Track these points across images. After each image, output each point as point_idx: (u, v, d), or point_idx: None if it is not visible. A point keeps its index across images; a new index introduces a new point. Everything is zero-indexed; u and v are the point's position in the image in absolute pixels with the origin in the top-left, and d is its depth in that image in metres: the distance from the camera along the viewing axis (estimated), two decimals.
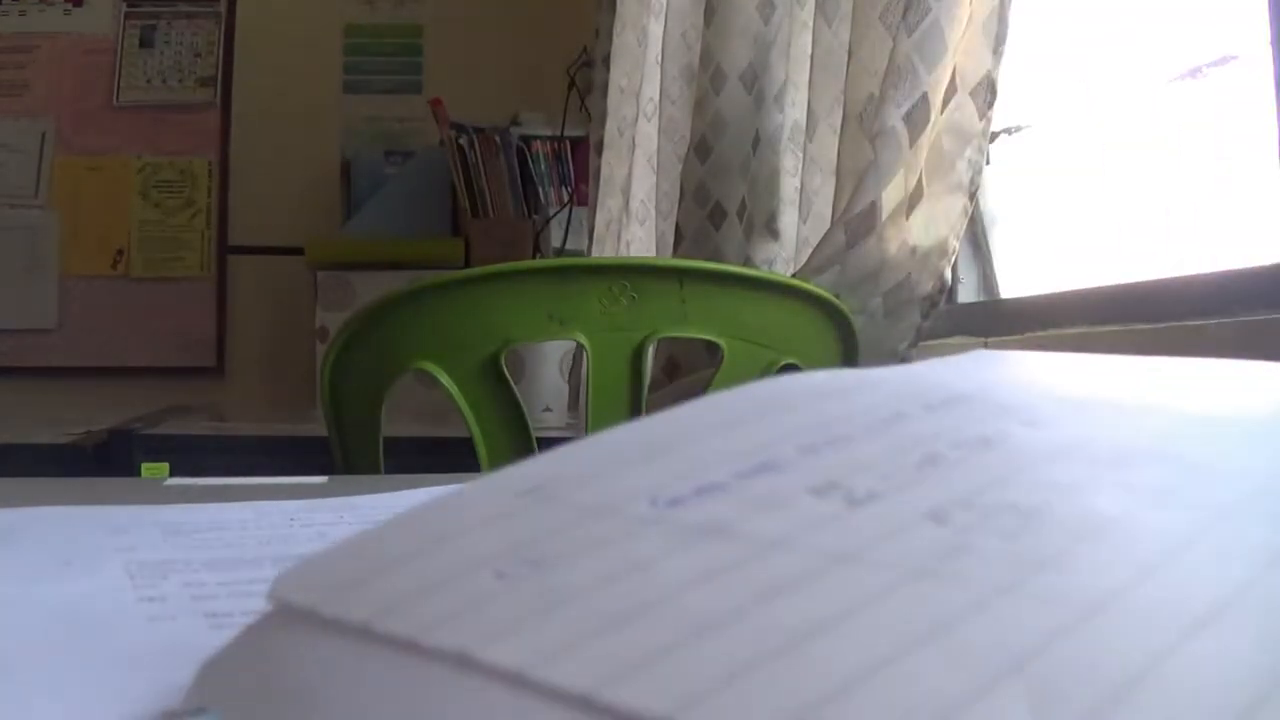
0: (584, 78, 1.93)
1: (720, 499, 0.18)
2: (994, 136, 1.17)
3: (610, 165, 1.64)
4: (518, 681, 0.14)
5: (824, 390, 0.25)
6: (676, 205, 1.34)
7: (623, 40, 1.60)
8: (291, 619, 0.18)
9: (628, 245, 1.55)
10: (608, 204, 1.63)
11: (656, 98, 1.50)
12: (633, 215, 1.55)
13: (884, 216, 0.99)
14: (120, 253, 2.24)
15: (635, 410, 0.94)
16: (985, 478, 0.18)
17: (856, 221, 1.00)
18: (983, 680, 0.12)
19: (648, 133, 1.54)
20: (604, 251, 1.62)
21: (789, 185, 1.25)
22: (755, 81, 1.25)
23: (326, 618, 0.17)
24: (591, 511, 0.19)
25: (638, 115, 1.56)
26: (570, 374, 1.59)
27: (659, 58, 1.49)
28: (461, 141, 2.01)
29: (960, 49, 0.97)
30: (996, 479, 0.18)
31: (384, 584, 0.17)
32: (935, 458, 0.19)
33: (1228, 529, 0.16)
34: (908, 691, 0.12)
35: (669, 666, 0.13)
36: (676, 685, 0.13)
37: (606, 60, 1.66)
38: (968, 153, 0.99)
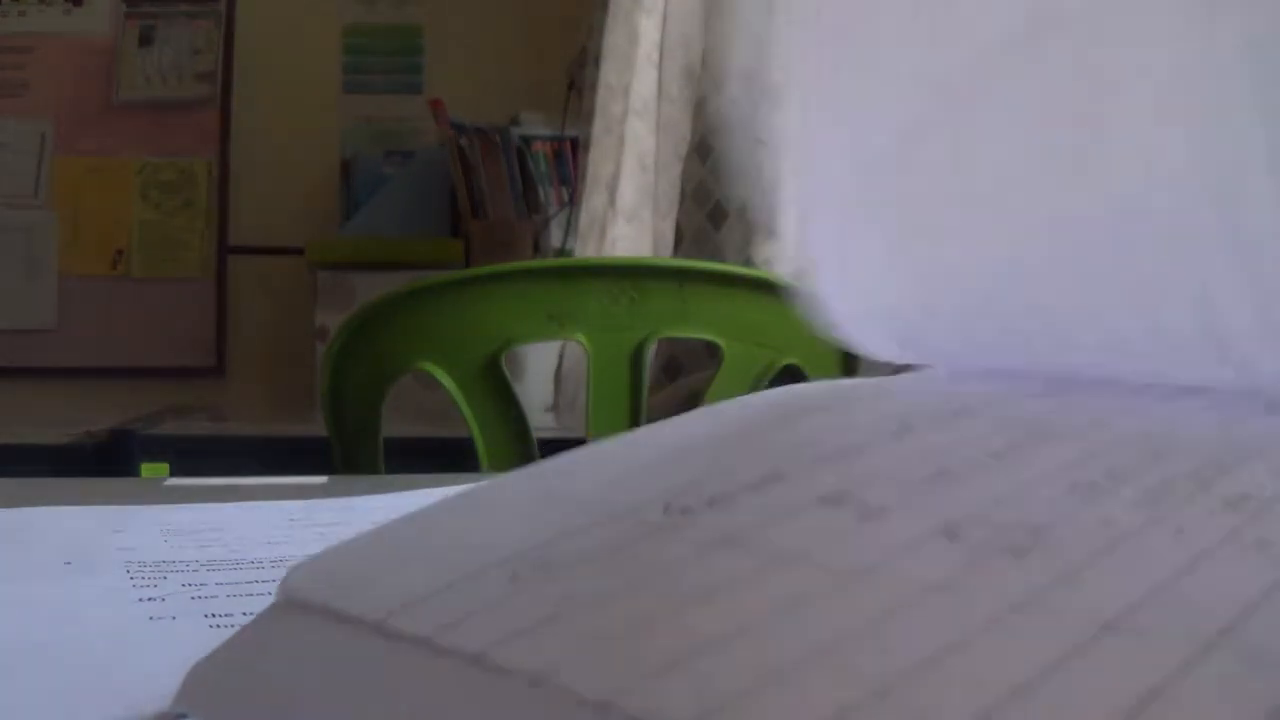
0: (584, 77, 1.93)
1: (731, 510, 0.18)
2: None
3: (595, 163, 1.63)
4: (536, 683, 0.14)
5: (830, 402, 0.25)
6: (676, 205, 1.34)
7: (613, 38, 1.59)
8: (298, 614, 0.18)
9: (613, 243, 1.54)
10: (592, 201, 1.63)
11: (647, 95, 1.49)
12: (619, 213, 1.54)
13: None
14: (120, 253, 2.24)
15: (635, 410, 0.94)
16: (996, 493, 0.18)
17: None
18: (992, 700, 0.12)
19: (638, 131, 1.53)
20: (588, 250, 1.62)
21: (789, 185, 1.24)
22: (755, 82, 1.25)
23: (339, 614, 0.17)
24: (605, 516, 0.19)
25: (626, 112, 1.55)
26: (556, 373, 1.57)
27: (650, 55, 1.48)
28: (461, 141, 2.00)
29: None
30: (1007, 494, 0.18)
31: (397, 583, 0.17)
32: (946, 472, 0.19)
33: (1246, 538, 0.16)
34: (929, 703, 0.12)
35: (691, 674, 0.14)
36: (700, 692, 0.13)
37: (598, 59, 1.66)
38: None
